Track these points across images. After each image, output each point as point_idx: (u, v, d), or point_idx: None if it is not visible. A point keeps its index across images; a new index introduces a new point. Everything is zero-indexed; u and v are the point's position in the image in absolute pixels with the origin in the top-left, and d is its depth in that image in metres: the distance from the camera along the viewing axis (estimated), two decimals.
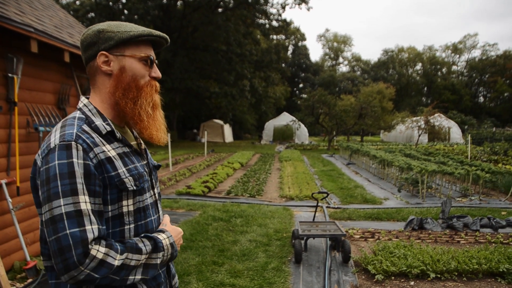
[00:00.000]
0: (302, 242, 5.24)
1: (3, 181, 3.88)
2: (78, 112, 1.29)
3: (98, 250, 1.08)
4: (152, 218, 1.35)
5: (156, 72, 1.34)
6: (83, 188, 1.11)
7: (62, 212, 1.07)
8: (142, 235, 1.26)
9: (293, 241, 5.10)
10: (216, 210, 7.33)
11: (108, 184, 1.20)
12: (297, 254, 4.74)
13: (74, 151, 1.13)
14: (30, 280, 3.96)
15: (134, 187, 1.25)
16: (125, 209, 1.24)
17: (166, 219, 1.42)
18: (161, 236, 1.27)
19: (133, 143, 1.39)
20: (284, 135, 35.49)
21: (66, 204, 1.08)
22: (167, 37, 1.37)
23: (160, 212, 1.44)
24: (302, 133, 34.38)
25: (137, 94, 1.29)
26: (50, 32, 4.23)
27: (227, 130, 35.92)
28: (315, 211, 5.92)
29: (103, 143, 1.22)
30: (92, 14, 27.69)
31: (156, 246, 1.23)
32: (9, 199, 3.91)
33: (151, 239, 1.24)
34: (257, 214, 7.07)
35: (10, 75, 3.91)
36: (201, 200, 8.40)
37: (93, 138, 1.20)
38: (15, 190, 4.05)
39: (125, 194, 1.23)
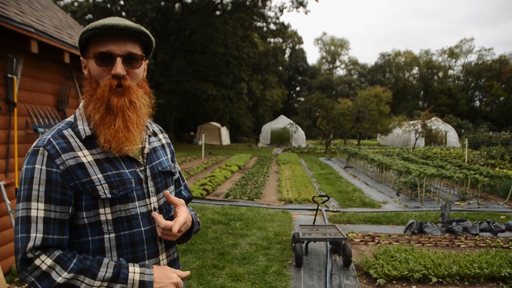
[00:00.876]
0: (303, 245, 5.20)
1: (2, 183, 3.83)
2: (72, 115, 1.29)
3: (43, 261, 1.08)
4: (142, 229, 1.24)
5: (116, 69, 1.17)
6: (38, 195, 1.11)
7: (18, 216, 1.11)
8: (115, 261, 1.17)
9: (294, 244, 5.07)
10: (215, 213, 7.29)
11: (82, 190, 1.16)
12: (298, 258, 4.70)
13: (39, 157, 1.14)
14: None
15: (109, 195, 1.17)
16: (102, 217, 1.18)
17: (167, 271, 1.23)
18: (131, 269, 1.15)
19: (133, 147, 1.25)
20: (281, 138, 35.53)
21: (22, 208, 1.11)
22: (122, 25, 1.17)
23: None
24: (299, 136, 34.40)
25: (93, 96, 1.20)
26: (50, 32, 4.20)
27: (224, 132, 35.89)
28: (316, 215, 5.89)
29: (80, 148, 1.19)
30: (90, 16, 27.64)
31: (117, 277, 1.12)
32: (8, 201, 3.85)
33: (117, 267, 1.14)
34: (256, 217, 7.04)
35: (9, 75, 3.86)
36: (200, 203, 8.36)
37: (68, 143, 1.17)
38: (14, 192, 4.00)
39: (100, 202, 1.17)
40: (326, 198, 6.19)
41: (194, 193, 8.98)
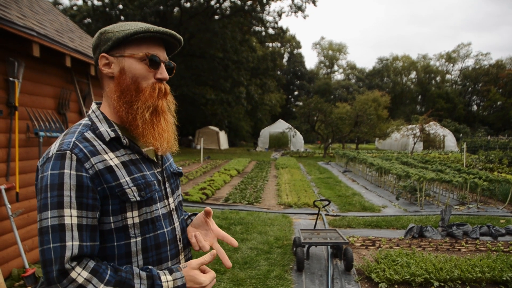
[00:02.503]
0: (304, 250, 5.19)
1: (2, 187, 3.81)
2: (86, 119, 1.24)
3: (79, 274, 1.02)
4: (165, 230, 1.25)
5: (163, 74, 1.23)
6: (70, 201, 1.06)
7: (48, 225, 1.04)
8: (145, 267, 1.16)
9: (295, 249, 5.06)
10: (215, 217, 7.27)
11: (109, 194, 1.13)
12: (299, 262, 4.69)
13: (67, 161, 1.09)
14: None
15: (138, 198, 1.17)
16: (130, 221, 1.16)
17: (193, 262, 1.23)
18: (164, 278, 1.13)
19: (149, 148, 1.30)
20: (279, 142, 35.53)
21: (52, 217, 1.05)
22: (173, 33, 1.24)
23: (177, 224, 1.33)
24: (297, 141, 34.41)
25: (135, 97, 1.20)
26: (51, 36, 4.20)
27: (223, 137, 35.87)
28: (316, 219, 5.89)
29: (105, 151, 1.16)
30: (89, 20, 27.68)
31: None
32: (8, 205, 3.83)
33: (151, 278, 1.11)
34: (256, 221, 7.02)
35: (11, 79, 3.85)
36: (199, 207, 8.33)
37: (93, 146, 1.14)
38: (15, 196, 3.98)
39: (128, 205, 1.16)
40: (327, 202, 6.19)
41: (193, 197, 8.96)
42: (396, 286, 4.24)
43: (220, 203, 8.94)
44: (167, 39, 1.26)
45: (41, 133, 4.27)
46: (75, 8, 28.83)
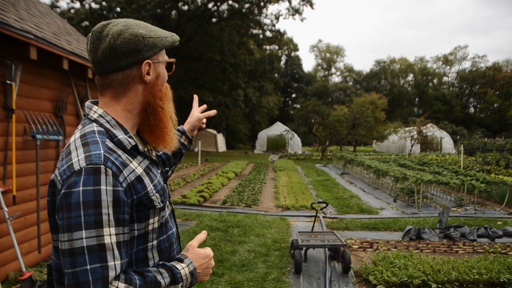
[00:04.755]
0: (302, 252, 5.19)
1: None
2: (94, 124, 1.15)
3: (117, 287, 0.99)
4: (173, 230, 1.30)
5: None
6: (109, 219, 1.00)
7: (83, 246, 0.97)
8: (160, 263, 1.18)
9: (293, 251, 5.06)
10: (212, 220, 7.26)
11: (137, 203, 1.11)
12: (297, 265, 4.69)
13: (103, 177, 1.02)
14: None
15: (161, 204, 1.19)
16: (150, 227, 1.17)
17: (193, 242, 1.29)
18: (179, 266, 1.17)
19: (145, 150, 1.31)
20: (277, 145, 35.54)
21: (89, 237, 0.98)
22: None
23: (176, 222, 1.39)
24: (295, 143, 34.44)
25: (166, 100, 1.25)
26: (49, 39, 4.20)
27: (220, 139, 35.86)
28: (314, 221, 5.89)
29: (130, 160, 1.12)
30: (87, 23, 27.67)
31: (174, 278, 1.14)
32: (5, 208, 3.81)
33: (169, 270, 1.14)
34: (254, 224, 7.02)
35: (8, 82, 3.85)
36: (197, 210, 8.33)
37: (121, 157, 1.10)
38: (11, 199, 3.96)
39: (152, 212, 1.16)
40: (325, 205, 6.20)
41: (191, 200, 8.95)
42: None
43: (218, 205, 8.93)
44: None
45: (38, 136, 4.27)
46: (72, 11, 28.80)
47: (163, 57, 1.26)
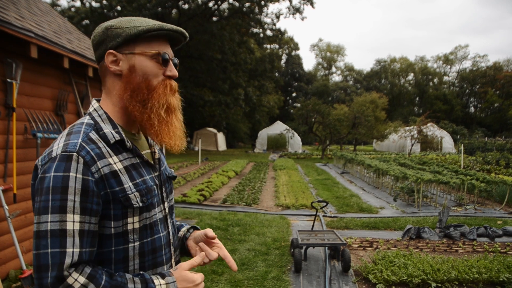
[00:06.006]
0: (302, 251, 5.20)
1: (0, 188, 3.81)
2: (88, 117, 1.18)
3: (76, 280, 0.98)
4: (161, 234, 1.24)
5: (172, 71, 1.21)
6: (74, 206, 1.01)
7: (47, 229, 0.99)
8: (137, 273, 1.12)
9: (292, 250, 5.07)
10: (212, 218, 7.27)
11: (112, 199, 1.10)
12: (297, 263, 4.70)
13: (73, 164, 1.04)
14: None
15: (141, 204, 1.14)
16: (130, 227, 1.14)
17: (184, 264, 1.19)
18: (157, 281, 1.10)
19: (146, 151, 1.29)
20: (277, 144, 35.55)
21: (53, 221, 0.99)
22: (183, 31, 1.23)
23: (170, 228, 1.31)
24: (295, 142, 34.44)
25: (148, 95, 1.17)
26: (49, 37, 4.20)
27: (221, 138, 35.88)
28: (314, 220, 5.89)
29: (110, 154, 1.12)
30: (87, 22, 27.67)
31: None
32: (6, 206, 3.83)
33: (144, 281, 1.08)
34: (254, 223, 7.03)
35: (9, 80, 3.85)
36: (197, 209, 8.34)
37: (99, 148, 1.10)
38: (12, 197, 3.97)
39: (130, 211, 1.13)
40: (325, 204, 6.20)
41: (191, 198, 8.96)
42: (393, 287, 4.25)
43: (218, 204, 8.94)
44: (173, 36, 1.23)
45: (39, 135, 4.27)
46: (73, 9, 28.82)
47: (145, 48, 1.17)
